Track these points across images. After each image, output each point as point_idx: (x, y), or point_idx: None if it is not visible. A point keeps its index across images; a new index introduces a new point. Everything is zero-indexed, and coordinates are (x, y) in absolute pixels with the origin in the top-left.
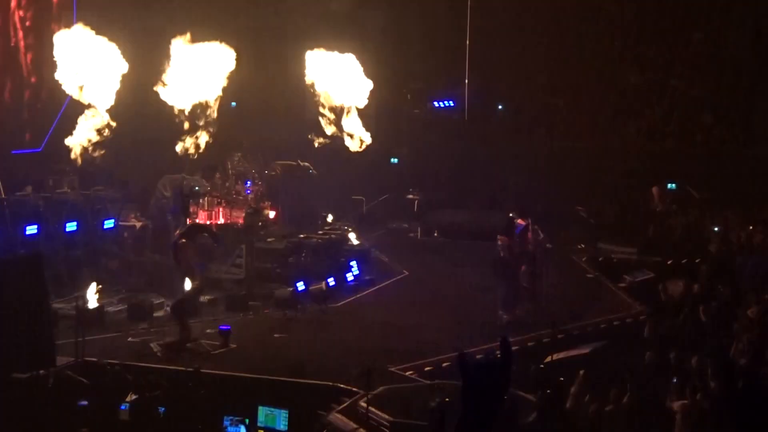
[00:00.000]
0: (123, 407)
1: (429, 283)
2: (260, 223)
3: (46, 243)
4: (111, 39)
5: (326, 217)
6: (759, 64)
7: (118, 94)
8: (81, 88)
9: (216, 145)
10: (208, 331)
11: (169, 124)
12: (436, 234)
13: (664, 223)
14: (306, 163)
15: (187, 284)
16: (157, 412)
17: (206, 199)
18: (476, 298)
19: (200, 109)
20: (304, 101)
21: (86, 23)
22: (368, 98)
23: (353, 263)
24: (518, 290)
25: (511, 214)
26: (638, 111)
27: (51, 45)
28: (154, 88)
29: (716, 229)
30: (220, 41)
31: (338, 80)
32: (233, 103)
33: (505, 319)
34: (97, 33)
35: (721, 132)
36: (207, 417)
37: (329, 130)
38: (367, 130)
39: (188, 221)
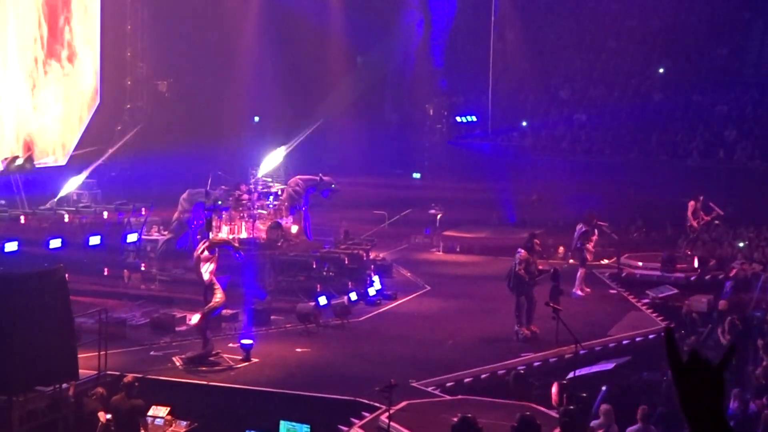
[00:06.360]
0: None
1: (450, 298)
2: (282, 238)
3: (69, 257)
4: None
5: (348, 231)
6: None
7: None
8: None
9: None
10: (230, 345)
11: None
12: (458, 250)
13: (695, 239)
14: (327, 178)
15: (209, 298)
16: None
17: (229, 213)
18: (498, 314)
19: None
20: None
21: None
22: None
23: (375, 278)
24: (534, 305)
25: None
26: (662, 126)
27: None
28: None
29: (741, 245)
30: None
31: None
32: (256, 118)
33: (522, 335)
34: None
35: (744, 147)
36: (229, 431)
37: None
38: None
39: (210, 235)
